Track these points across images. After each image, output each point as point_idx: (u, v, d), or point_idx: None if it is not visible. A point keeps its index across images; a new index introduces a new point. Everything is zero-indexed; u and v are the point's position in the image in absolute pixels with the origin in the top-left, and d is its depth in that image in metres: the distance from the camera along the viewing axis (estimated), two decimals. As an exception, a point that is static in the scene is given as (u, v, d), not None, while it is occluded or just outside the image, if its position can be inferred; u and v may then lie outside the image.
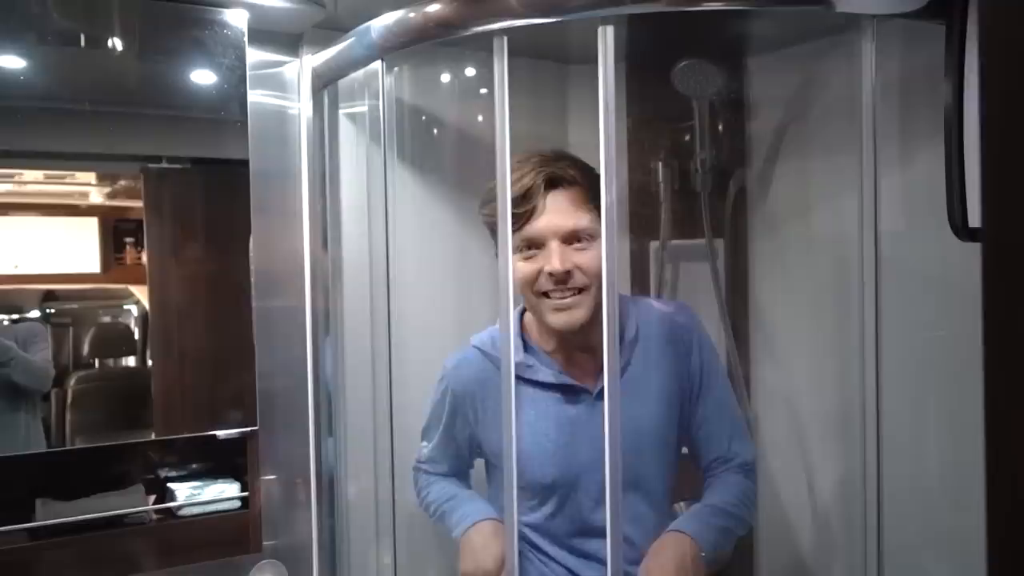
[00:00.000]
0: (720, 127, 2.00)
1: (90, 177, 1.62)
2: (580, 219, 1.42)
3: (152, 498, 1.61)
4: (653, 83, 1.97)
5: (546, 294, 1.43)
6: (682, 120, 1.98)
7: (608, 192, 1.26)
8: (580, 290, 1.42)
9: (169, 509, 1.60)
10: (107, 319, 1.66)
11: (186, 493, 1.61)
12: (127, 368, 1.67)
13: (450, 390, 1.57)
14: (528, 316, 1.55)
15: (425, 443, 1.65)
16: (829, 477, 1.93)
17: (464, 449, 1.62)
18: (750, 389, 2.03)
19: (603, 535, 1.29)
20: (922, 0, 1.32)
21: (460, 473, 1.66)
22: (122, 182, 1.62)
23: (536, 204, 1.41)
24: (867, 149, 1.35)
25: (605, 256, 1.26)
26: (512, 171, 1.39)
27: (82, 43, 1.53)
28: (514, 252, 1.41)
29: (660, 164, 2.02)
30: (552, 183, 1.42)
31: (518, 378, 1.46)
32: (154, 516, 1.60)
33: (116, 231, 1.61)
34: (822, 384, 1.91)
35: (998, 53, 0.43)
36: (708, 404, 1.54)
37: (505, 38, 1.32)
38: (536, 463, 1.48)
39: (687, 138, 1.99)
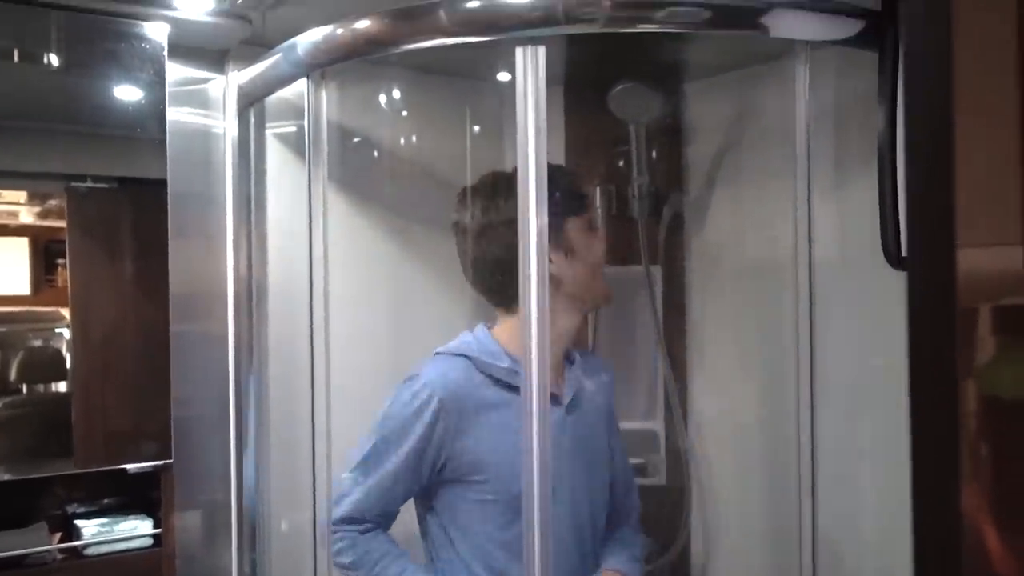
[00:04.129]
0: (657, 152, 1.99)
1: (19, 196, 1.56)
2: None
3: (57, 536, 1.52)
4: (590, 106, 1.95)
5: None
6: (619, 145, 1.97)
7: (539, 216, 1.23)
8: None
9: (75, 548, 1.51)
10: (37, 343, 1.58)
11: (93, 531, 1.52)
12: (57, 394, 1.59)
13: (436, 399, 1.42)
14: (500, 327, 1.50)
15: (354, 489, 1.48)
16: (765, 503, 1.91)
17: (424, 472, 1.46)
18: (686, 417, 2.01)
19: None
20: (855, 27, 1.33)
21: (389, 517, 1.52)
22: (52, 201, 1.57)
23: None
24: (800, 176, 1.34)
25: (535, 282, 1.22)
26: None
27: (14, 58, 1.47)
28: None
29: (597, 189, 2.00)
30: None
31: (506, 385, 1.44)
32: (59, 556, 1.50)
33: (47, 252, 1.56)
34: (759, 411, 1.90)
35: (920, 82, 0.40)
36: (618, 452, 1.64)
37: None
38: (520, 474, 1.39)
39: (624, 163, 1.97)
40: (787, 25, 1.33)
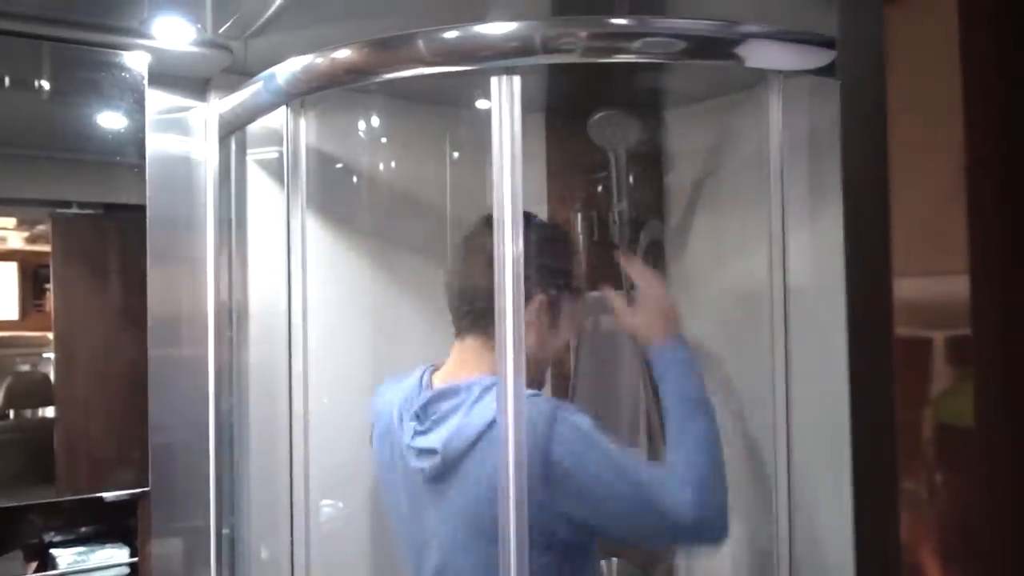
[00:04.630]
0: (638, 179, 2.00)
1: (9, 221, 1.57)
2: None
3: (33, 565, 1.50)
4: (572, 133, 1.97)
5: None
6: (600, 171, 1.98)
7: (514, 243, 1.23)
8: None
9: (50, 578, 1.50)
10: (25, 368, 1.58)
11: (69, 560, 1.51)
12: (43, 420, 1.58)
13: None
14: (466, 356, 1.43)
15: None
16: (744, 526, 1.91)
17: None
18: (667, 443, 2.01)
19: None
20: (828, 57, 1.34)
21: None
22: (41, 227, 1.57)
23: None
24: (775, 203, 1.35)
25: (511, 309, 1.23)
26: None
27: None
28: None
29: (578, 215, 2.01)
30: None
31: None
32: (34, 585, 1.50)
33: (36, 277, 1.55)
34: (737, 435, 1.90)
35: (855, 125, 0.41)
36: None
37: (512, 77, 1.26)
38: None
39: (605, 190, 1.99)
40: (761, 55, 1.35)
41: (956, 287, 0.45)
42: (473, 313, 1.38)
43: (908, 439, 0.44)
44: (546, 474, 1.24)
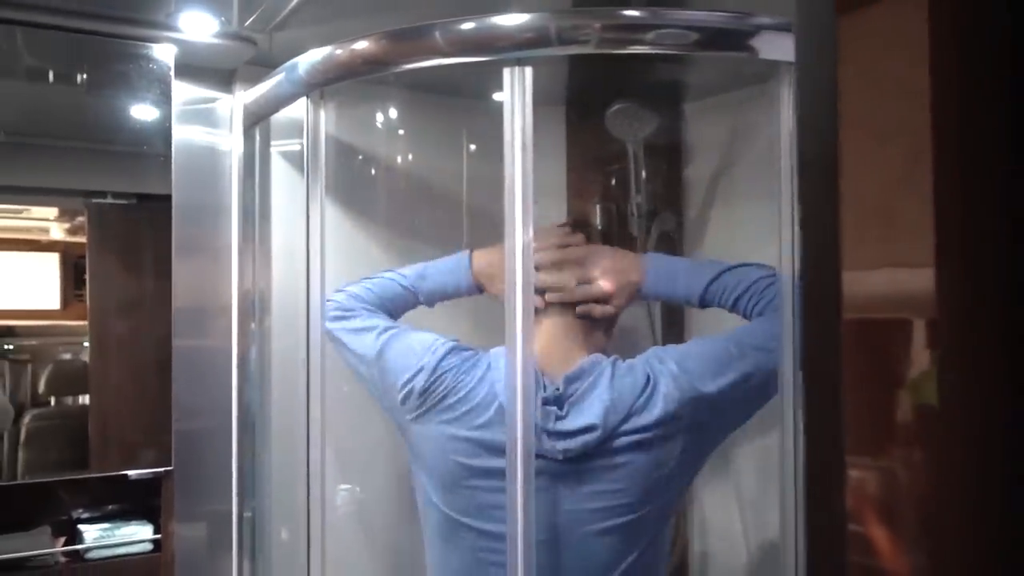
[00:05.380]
0: (655, 171, 2.00)
1: (50, 212, 1.60)
2: None
3: (61, 540, 1.55)
4: (590, 126, 1.98)
5: None
6: (618, 163, 1.99)
7: (524, 232, 1.25)
8: None
9: (77, 551, 1.55)
10: (66, 356, 1.62)
11: (95, 535, 1.55)
12: (83, 407, 1.62)
13: None
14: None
15: None
16: (754, 517, 1.91)
17: None
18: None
19: None
20: (840, 50, 1.34)
21: None
22: (81, 218, 1.60)
23: None
24: (785, 197, 1.36)
25: (520, 299, 1.25)
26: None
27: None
28: None
29: (597, 207, 2.02)
30: None
31: None
32: (61, 559, 1.54)
33: (77, 268, 1.59)
34: (751, 426, 1.90)
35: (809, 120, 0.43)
36: None
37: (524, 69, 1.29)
38: None
39: (624, 181, 1.99)
40: (774, 47, 1.35)
41: (907, 273, 0.46)
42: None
43: (857, 416, 0.46)
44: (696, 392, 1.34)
